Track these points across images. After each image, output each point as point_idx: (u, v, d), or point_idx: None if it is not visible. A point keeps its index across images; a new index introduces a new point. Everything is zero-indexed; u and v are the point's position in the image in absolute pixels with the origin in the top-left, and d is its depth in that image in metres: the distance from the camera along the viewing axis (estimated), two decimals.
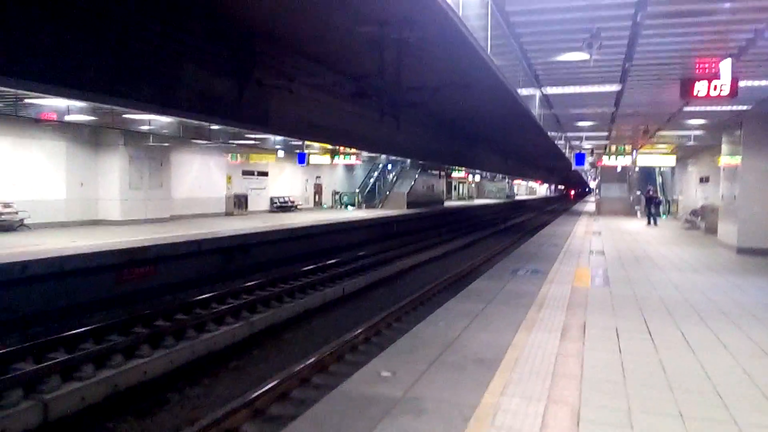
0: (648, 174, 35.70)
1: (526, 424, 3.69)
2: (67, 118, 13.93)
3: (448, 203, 47.04)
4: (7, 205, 15.89)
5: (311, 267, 15.94)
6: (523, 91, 10.57)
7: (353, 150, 27.51)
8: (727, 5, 5.63)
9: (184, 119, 15.87)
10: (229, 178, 25.68)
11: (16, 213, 16.03)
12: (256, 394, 7.13)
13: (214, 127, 17.62)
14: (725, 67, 7.29)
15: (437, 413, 3.84)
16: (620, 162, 25.20)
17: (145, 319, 10.26)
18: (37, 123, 15.60)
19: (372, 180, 38.49)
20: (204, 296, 11.91)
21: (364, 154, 29.72)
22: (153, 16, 7.97)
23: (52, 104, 13.06)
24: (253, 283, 13.33)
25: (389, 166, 37.23)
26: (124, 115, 14.68)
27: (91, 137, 18.48)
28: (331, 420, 3.69)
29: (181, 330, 9.78)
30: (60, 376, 7.53)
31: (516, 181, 77.45)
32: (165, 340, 9.32)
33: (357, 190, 36.65)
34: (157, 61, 8.70)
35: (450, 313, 6.97)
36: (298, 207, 30.35)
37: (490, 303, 7.62)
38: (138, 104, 9.64)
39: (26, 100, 12.48)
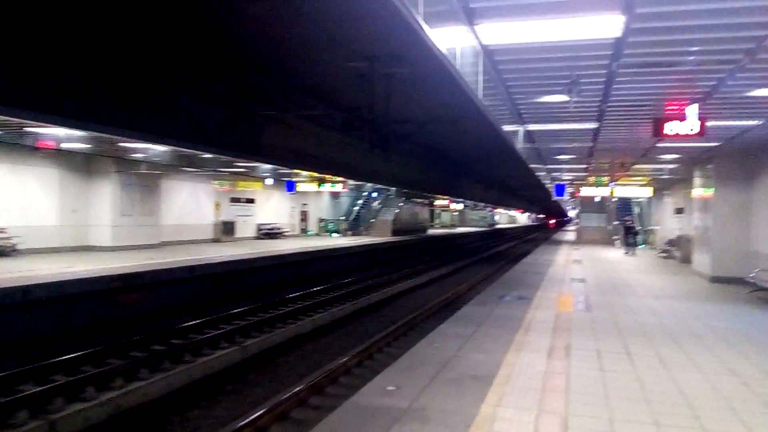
0: (626, 204, 36.70)
1: (520, 430, 4.16)
2: (65, 146, 14.28)
3: (431, 231, 47.55)
4: (0, 231, 16.08)
5: (300, 294, 16.23)
6: (509, 128, 11.20)
7: (340, 178, 28.04)
8: (692, 57, 6.33)
9: (178, 148, 16.28)
10: (217, 205, 26.00)
11: (9, 238, 16.21)
12: (257, 414, 7.41)
13: (206, 155, 18.04)
14: (692, 110, 8.02)
15: (441, 421, 4.30)
16: (599, 193, 26.02)
17: (142, 343, 10.48)
18: (32, 150, 15.89)
19: (357, 208, 38.98)
20: (197, 321, 12.13)
21: (350, 182, 30.24)
22: (151, 52, 8.44)
23: (51, 133, 13.41)
24: (244, 308, 13.60)
25: (374, 194, 37.76)
26: (119, 144, 15.04)
27: (83, 165, 18.77)
28: (347, 427, 4.12)
29: (177, 354, 9.98)
30: (64, 398, 7.75)
31: (497, 210, 78.47)
32: (163, 364, 9.54)
33: (342, 218, 37.08)
34: (155, 93, 9.16)
35: (444, 336, 7.43)
36: (284, 234, 30.68)
37: (481, 326, 8.10)
38: (136, 134, 10.05)
39: (26, 129, 12.83)
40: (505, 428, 4.19)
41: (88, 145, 15.10)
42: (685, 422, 4.52)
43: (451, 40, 5.51)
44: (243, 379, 9.61)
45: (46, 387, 7.85)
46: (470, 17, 5.22)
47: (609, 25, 5.39)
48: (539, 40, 5.84)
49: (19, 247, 16.34)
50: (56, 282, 11.49)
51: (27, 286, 10.88)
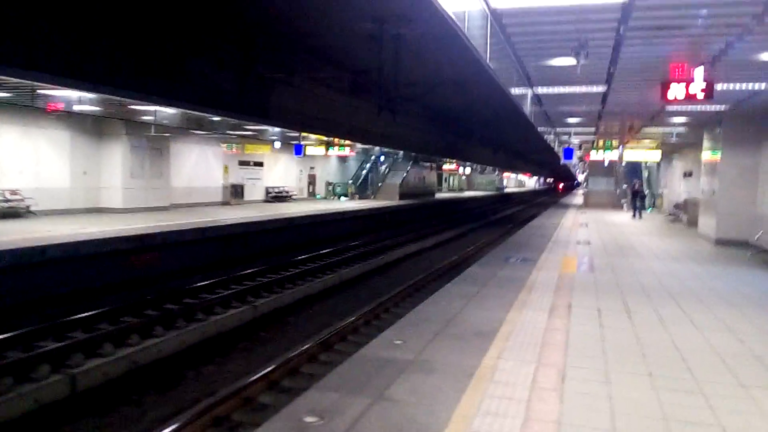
0: (634, 168, 36.55)
1: (519, 380, 4.40)
2: (76, 108, 14.42)
3: (439, 195, 47.66)
4: (14, 192, 16.38)
5: (309, 255, 16.52)
6: (516, 91, 11.22)
7: (347, 142, 28.06)
8: (700, 21, 6.34)
9: (187, 111, 16.38)
10: (226, 168, 26.19)
11: (23, 200, 16.53)
12: (270, 368, 7.72)
13: (215, 118, 18.12)
14: (698, 73, 8.03)
15: (445, 372, 4.54)
16: (607, 156, 25.94)
17: (156, 302, 10.79)
18: (44, 113, 16.04)
19: (365, 171, 39.05)
20: (209, 281, 12.43)
21: (358, 145, 30.26)
22: (160, 15, 8.48)
23: (63, 95, 13.54)
24: (255, 269, 13.89)
25: (382, 158, 37.77)
26: (129, 106, 15.15)
27: (94, 127, 18.92)
28: (356, 376, 4.37)
29: (190, 313, 10.28)
30: (83, 354, 8.06)
31: (505, 174, 78.29)
32: (176, 322, 9.85)
33: (350, 181, 37.21)
34: (165, 56, 9.24)
35: (449, 295, 7.67)
36: (293, 197, 30.92)
37: (485, 286, 8.33)
38: (147, 97, 10.16)
39: (38, 91, 12.96)
40: (505, 378, 4.43)
41: (98, 108, 15.22)
42: (678, 374, 4.74)
43: (459, 3, 5.55)
44: (254, 337, 9.90)
45: (65, 343, 8.14)
46: None
47: None
48: (547, 3, 5.87)
49: (32, 208, 16.65)
50: (72, 242, 11.79)
51: (44, 246, 11.20)
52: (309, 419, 3.56)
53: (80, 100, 13.87)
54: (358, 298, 12.92)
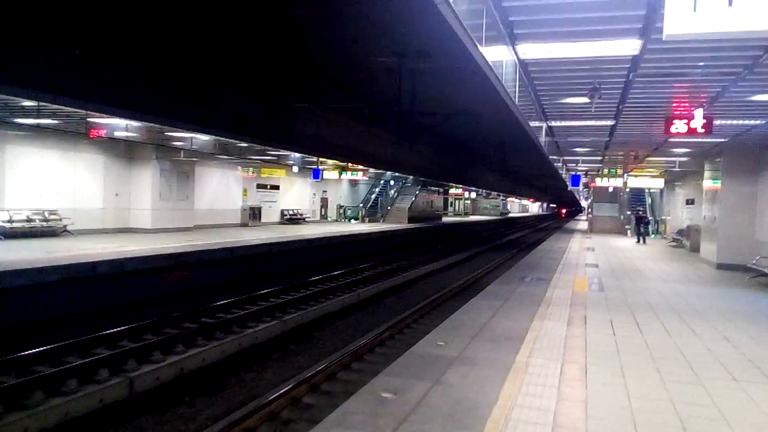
0: (638, 195, 37.40)
1: (549, 372, 5.29)
2: (118, 134, 15.46)
3: (445, 219, 48.49)
4: (53, 213, 17.36)
5: (327, 275, 17.29)
6: (532, 123, 12.21)
7: (360, 167, 29.05)
8: (699, 70, 7.34)
9: (218, 137, 17.41)
10: (245, 191, 27.19)
11: (60, 220, 17.48)
12: (310, 373, 8.53)
13: (242, 144, 19.15)
14: (698, 114, 9.04)
15: (486, 365, 5.43)
16: (612, 183, 26.83)
17: (192, 316, 11.59)
18: (81, 138, 17.08)
19: (374, 195, 40.07)
20: (238, 298, 13.21)
21: (370, 170, 31.27)
22: (198, 49, 9.38)
23: (110, 122, 14.57)
24: (278, 287, 14.68)
25: (391, 182, 38.76)
26: (167, 133, 16.19)
27: (125, 151, 19.98)
28: (413, 366, 5.26)
29: (225, 326, 11.05)
30: (135, 360, 8.78)
31: (509, 199, 79.25)
32: (214, 334, 10.61)
33: (360, 205, 38.17)
34: (201, 87, 10.16)
35: (477, 307, 8.58)
36: (306, 219, 31.87)
37: (507, 300, 9.23)
38: (186, 125, 11.06)
39: (89, 120, 14.02)
40: (537, 371, 5.31)
41: (137, 134, 16.27)
42: (681, 370, 5.62)
43: (493, 54, 6.48)
44: (285, 349, 10.62)
45: (117, 351, 8.92)
46: (513, 40, 6.27)
47: (628, 47, 6.42)
48: (568, 56, 6.87)
49: (69, 228, 17.60)
50: (117, 259, 12.68)
51: (94, 262, 12.08)
52: (385, 395, 4.44)
53: (127, 127, 14.91)
54: (376, 315, 13.61)
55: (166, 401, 7.81)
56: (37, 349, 8.75)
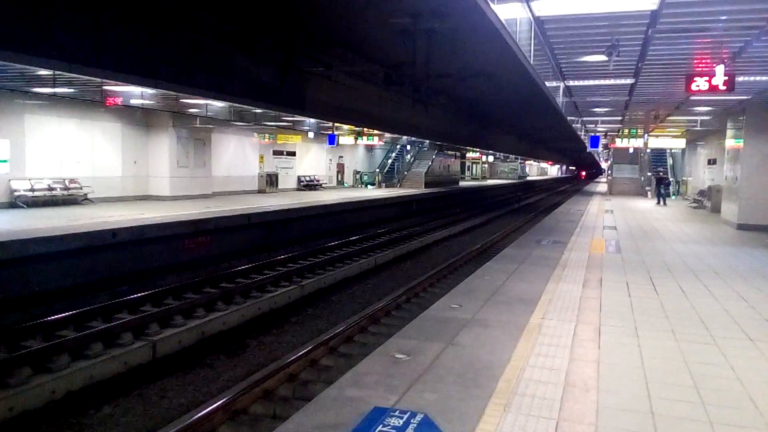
0: (659, 156, 36.80)
1: (563, 333, 5.31)
2: (134, 102, 15.52)
3: (462, 183, 48.28)
4: (73, 181, 17.62)
5: (345, 240, 17.43)
6: (549, 84, 11.98)
7: (376, 132, 28.88)
8: (720, 24, 7.10)
9: (232, 104, 17.39)
10: (261, 158, 27.27)
11: (81, 188, 17.75)
12: (328, 336, 8.68)
13: (257, 110, 19.11)
14: (720, 70, 8.78)
15: (500, 327, 5.47)
16: (632, 144, 26.38)
17: (212, 281, 11.80)
18: (98, 106, 17.17)
19: (391, 160, 39.91)
20: (257, 263, 13.39)
21: (386, 135, 31.08)
22: (210, 14, 9.29)
23: (125, 90, 14.62)
24: (297, 253, 14.86)
25: (408, 147, 38.55)
26: (182, 100, 16.19)
27: (142, 119, 20.07)
28: (427, 328, 5.33)
29: (245, 291, 11.26)
30: (158, 324, 9.02)
31: (527, 162, 78.51)
32: (234, 299, 10.83)
33: (377, 170, 38.10)
34: (214, 54, 10.12)
35: (491, 271, 8.60)
36: (323, 185, 31.95)
37: (522, 263, 9.23)
38: (199, 92, 11.05)
39: (105, 88, 14.07)
40: (550, 332, 5.34)
41: (153, 102, 16.31)
42: (696, 330, 5.61)
43: (508, 11, 6.32)
44: (303, 313, 10.80)
45: (139, 315, 9.16)
46: None
47: (647, 1, 6.22)
48: (585, 12, 6.68)
49: (89, 196, 17.87)
50: (137, 226, 12.90)
51: (114, 229, 12.30)
52: (399, 356, 4.51)
53: (142, 95, 14.95)
54: (393, 279, 13.73)
55: (189, 364, 8.00)
56: (62, 315, 9.00)
